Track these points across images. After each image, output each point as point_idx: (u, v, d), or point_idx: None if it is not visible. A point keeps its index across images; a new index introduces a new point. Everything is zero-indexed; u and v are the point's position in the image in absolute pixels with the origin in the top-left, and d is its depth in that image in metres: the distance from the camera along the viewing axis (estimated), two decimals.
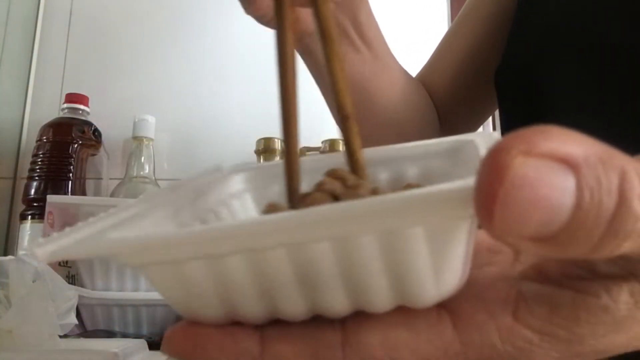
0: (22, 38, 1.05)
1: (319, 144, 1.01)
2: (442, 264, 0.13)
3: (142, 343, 0.52)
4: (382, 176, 0.21)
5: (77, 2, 1.10)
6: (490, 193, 0.10)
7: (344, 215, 0.12)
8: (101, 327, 0.65)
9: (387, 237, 0.12)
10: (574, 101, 0.37)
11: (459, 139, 0.20)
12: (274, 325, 0.14)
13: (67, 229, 0.15)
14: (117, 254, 0.13)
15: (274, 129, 1.00)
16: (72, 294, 0.50)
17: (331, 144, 1.00)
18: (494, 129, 1.08)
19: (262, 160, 0.98)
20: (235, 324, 0.14)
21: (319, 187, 0.17)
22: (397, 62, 0.47)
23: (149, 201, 0.18)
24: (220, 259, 0.13)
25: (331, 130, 0.93)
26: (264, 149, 0.98)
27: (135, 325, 0.66)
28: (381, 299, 0.13)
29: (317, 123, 0.99)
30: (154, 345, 0.55)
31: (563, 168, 0.11)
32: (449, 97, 0.51)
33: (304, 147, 1.03)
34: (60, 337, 0.44)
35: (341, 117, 0.19)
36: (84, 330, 0.64)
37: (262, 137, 0.98)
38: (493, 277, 0.15)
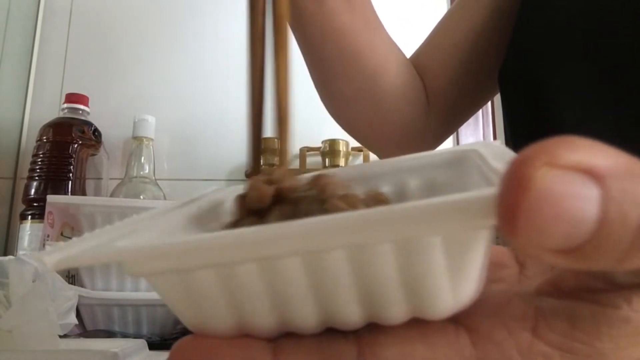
0: (22, 38, 1.05)
1: (319, 144, 1.01)
2: (459, 274, 0.13)
3: (142, 343, 0.52)
4: (385, 189, 0.20)
5: (77, 2, 1.10)
6: (514, 204, 0.10)
7: (364, 222, 0.12)
8: (101, 327, 0.65)
9: (404, 246, 0.12)
10: (577, 99, 0.37)
11: (461, 149, 0.20)
12: (287, 337, 0.14)
13: (75, 239, 0.14)
14: (124, 261, 0.13)
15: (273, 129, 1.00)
16: (72, 294, 0.50)
17: (331, 144, 1.00)
18: (492, 126, 1.09)
19: (262, 161, 0.98)
20: (245, 336, 0.14)
21: (341, 196, 0.16)
22: (382, 26, 0.45)
23: (155, 216, 0.18)
24: (231, 267, 0.13)
25: (331, 130, 0.93)
26: (264, 149, 0.97)
27: (135, 325, 0.66)
28: (396, 310, 0.13)
29: (317, 123, 0.99)
30: (154, 345, 0.55)
31: (587, 179, 0.10)
32: (445, 83, 0.49)
33: (304, 147, 1.03)
34: (60, 337, 0.44)
35: (279, 119, 0.18)
36: (84, 330, 0.64)
37: (262, 137, 0.97)
38: (507, 294, 0.15)
